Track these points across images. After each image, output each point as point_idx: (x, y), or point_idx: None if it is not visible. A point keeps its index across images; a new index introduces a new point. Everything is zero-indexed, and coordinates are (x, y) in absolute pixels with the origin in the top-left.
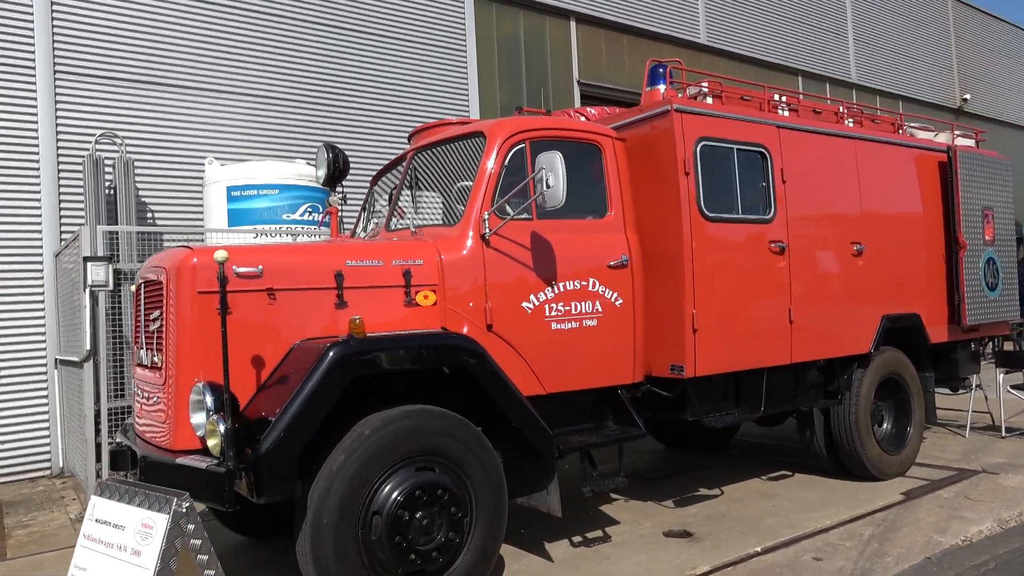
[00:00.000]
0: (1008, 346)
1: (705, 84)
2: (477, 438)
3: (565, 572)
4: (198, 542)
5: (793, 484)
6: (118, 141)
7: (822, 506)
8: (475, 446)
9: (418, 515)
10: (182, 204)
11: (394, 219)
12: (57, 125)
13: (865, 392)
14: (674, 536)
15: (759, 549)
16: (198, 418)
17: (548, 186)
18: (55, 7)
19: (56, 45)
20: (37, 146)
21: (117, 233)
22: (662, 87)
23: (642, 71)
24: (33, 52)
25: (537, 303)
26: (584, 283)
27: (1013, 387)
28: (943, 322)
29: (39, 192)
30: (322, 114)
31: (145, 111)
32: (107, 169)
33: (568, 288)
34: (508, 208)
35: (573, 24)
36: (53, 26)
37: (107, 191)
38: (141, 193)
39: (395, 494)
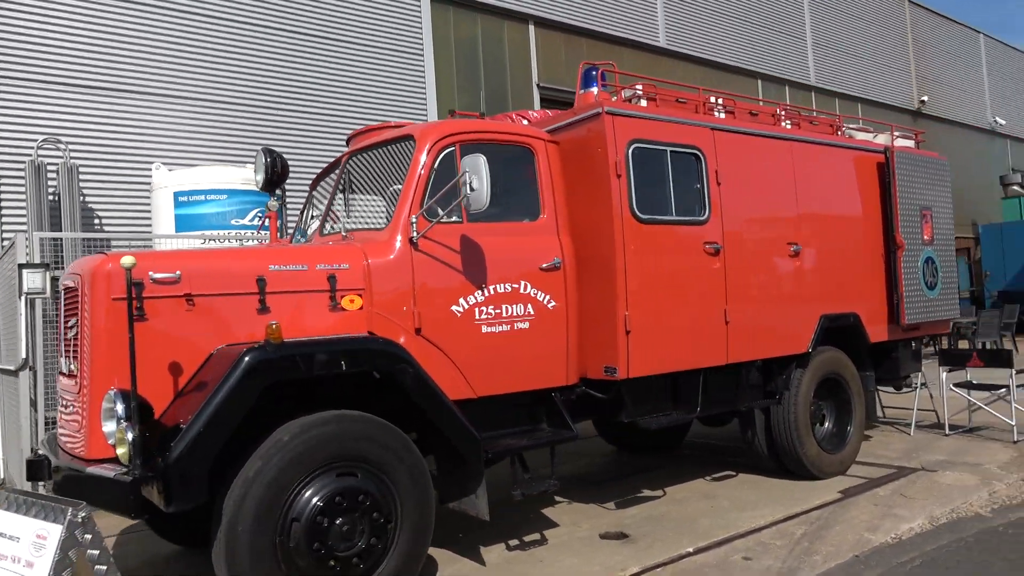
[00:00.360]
0: (964, 344)
1: (640, 86)
2: (402, 443)
3: (482, 572)
4: (96, 552)
5: (735, 484)
6: (61, 146)
7: (759, 506)
8: (400, 451)
9: (338, 521)
10: (129, 210)
11: (328, 223)
12: None
13: (804, 392)
14: (610, 538)
15: (691, 549)
16: (109, 426)
17: (472, 189)
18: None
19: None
20: None
21: (61, 240)
22: (595, 89)
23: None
24: None
25: (467, 306)
26: (516, 286)
27: (956, 385)
28: (883, 321)
29: None
30: (274, 118)
31: (89, 116)
32: (50, 175)
33: (499, 291)
34: (439, 211)
35: (532, 27)
36: None
37: (51, 197)
38: (87, 199)
39: (314, 500)
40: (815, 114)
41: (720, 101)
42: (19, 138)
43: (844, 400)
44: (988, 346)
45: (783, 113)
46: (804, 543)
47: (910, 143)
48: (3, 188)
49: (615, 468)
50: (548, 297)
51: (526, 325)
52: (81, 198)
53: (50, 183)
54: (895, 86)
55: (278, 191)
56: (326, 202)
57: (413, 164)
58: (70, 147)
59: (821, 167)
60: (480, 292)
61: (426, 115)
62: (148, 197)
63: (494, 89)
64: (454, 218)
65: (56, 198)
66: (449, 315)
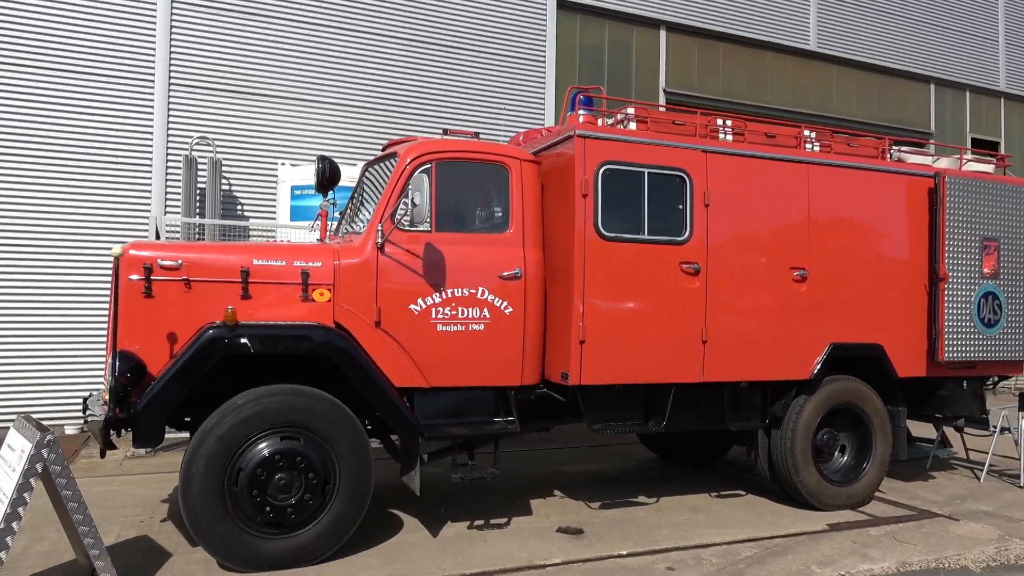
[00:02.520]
0: None
1: (631, 109)
2: (346, 419)
3: (435, 546)
4: (59, 468)
5: (731, 503)
6: (211, 144)
7: (734, 525)
8: (341, 424)
9: (277, 476)
10: (261, 200)
11: (344, 224)
12: (168, 129)
13: (806, 419)
14: (565, 532)
15: (624, 552)
16: (107, 378)
17: (414, 204)
18: (173, 29)
19: (172, 60)
20: (151, 147)
21: (204, 226)
22: (582, 113)
23: (741, 79)
24: (153, 67)
25: (424, 306)
26: (473, 291)
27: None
28: (918, 356)
29: (150, 186)
30: (395, 121)
31: (234, 117)
32: (200, 168)
33: (456, 295)
34: (402, 220)
35: (663, 33)
36: (171, 43)
37: (198, 187)
38: (231, 189)
39: (255, 454)
40: (854, 136)
41: (729, 123)
42: (179, 136)
43: (865, 433)
44: None
45: (813, 136)
46: (740, 565)
47: (988, 168)
48: (169, 178)
49: (638, 473)
50: (506, 303)
51: (481, 327)
52: (223, 189)
53: (200, 175)
54: None
55: (330, 193)
56: (348, 206)
57: (392, 178)
58: (217, 144)
59: (847, 191)
60: (438, 294)
61: (544, 120)
62: (275, 190)
63: (619, 93)
64: (424, 227)
65: (203, 188)
66: (407, 312)
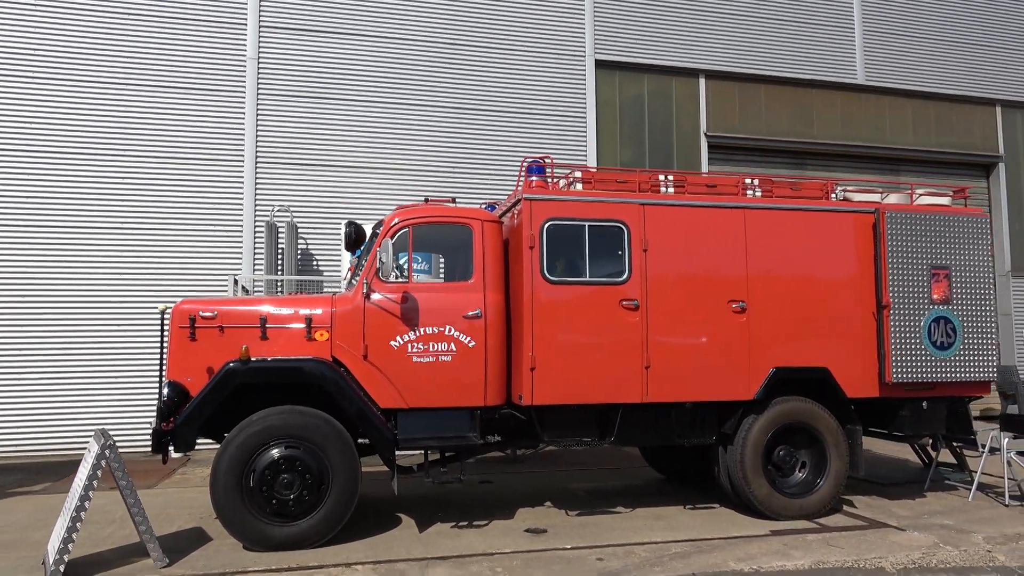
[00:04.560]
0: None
1: (578, 172)
2: (336, 431)
3: (415, 540)
4: (116, 465)
5: (697, 513)
6: (288, 210)
7: (683, 529)
8: (332, 436)
9: (281, 476)
10: (331, 257)
11: (354, 276)
12: (256, 199)
13: (755, 436)
14: (530, 532)
15: (568, 546)
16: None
17: (381, 262)
18: (259, 115)
19: (259, 141)
20: (242, 215)
21: (282, 281)
22: (534, 179)
23: (785, 117)
24: (243, 148)
25: (402, 342)
26: (441, 329)
27: (1020, 453)
28: (869, 378)
29: (241, 248)
30: (446, 178)
31: (309, 186)
32: (280, 232)
33: (428, 332)
34: (393, 273)
35: (702, 81)
36: (257, 128)
37: (279, 248)
38: (308, 247)
39: (265, 460)
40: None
41: (671, 178)
42: (263, 204)
43: (821, 450)
44: None
45: (755, 182)
46: (665, 558)
47: (943, 200)
48: (256, 241)
49: (636, 490)
50: (469, 338)
51: (448, 358)
52: (300, 248)
53: (279, 238)
54: None
55: (357, 250)
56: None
57: (377, 240)
58: (293, 211)
59: (787, 230)
60: (412, 332)
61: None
62: (340, 247)
63: (658, 140)
64: (400, 279)
65: (282, 249)
66: (388, 347)
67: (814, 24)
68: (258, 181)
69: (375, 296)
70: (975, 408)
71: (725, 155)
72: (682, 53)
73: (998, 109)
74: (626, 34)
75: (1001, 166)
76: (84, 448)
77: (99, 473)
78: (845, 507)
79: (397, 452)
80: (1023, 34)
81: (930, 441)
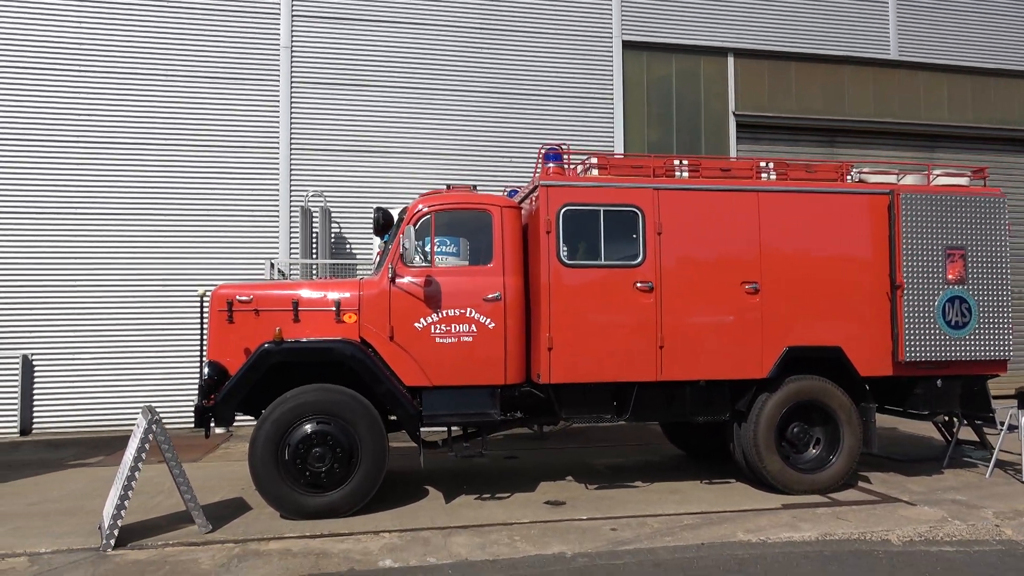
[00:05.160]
0: None
1: (594, 159)
2: (364, 407)
3: (440, 510)
4: (163, 438)
5: (712, 487)
6: (321, 196)
7: (697, 503)
8: (361, 413)
9: (313, 450)
10: (364, 240)
11: (382, 260)
12: (291, 185)
13: (768, 413)
14: (549, 504)
15: (583, 517)
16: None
17: (404, 248)
18: (293, 104)
19: (293, 128)
20: (278, 201)
21: (316, 265)
22: (551, 166)
23: (816, 95)
24: (278, 135)
25: (425, 323)
26: (463, 311)
27: None
28: (883, 357)
29: (278, 233)
30: (476, 161)
31: (341, 172)
32: (314, 216)
33: (450, 314)
34: (416, 258)
35: (731, 59)
36: (291, 116)
37: (313, 232)
38: (341, 231)
39: (298, 434)
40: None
41: (685, 162)
42: (298, 190)
43: (834, 427)
44: None
45: (770, 165)
46: (676, 529)
47: (960, 180)
48: (292, 226)
49: (656, 465)
50: (489, 320)
51: (470, 339)
52: (334, 232)
53: (314, 222)
54: None
55: (385, 235)
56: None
57: (402, 226)
58: (327, 196)
59: (801, 212)
60: (435, 314)
61: (613, 148)
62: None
63: (687, 120)
64: (423, 264)
65: (316, 233)
66: (412, 328)
67: None
68: (292, 167)
69: (400, 280)
70: (1012, 387)
71: (754, 134)
72: (710, 32)
73: None
74: (653, 14)
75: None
76: (133, 424)
77: (147, 447)
78: (860, 483)
79: (422, 428)
80: None
81: (947, 419)
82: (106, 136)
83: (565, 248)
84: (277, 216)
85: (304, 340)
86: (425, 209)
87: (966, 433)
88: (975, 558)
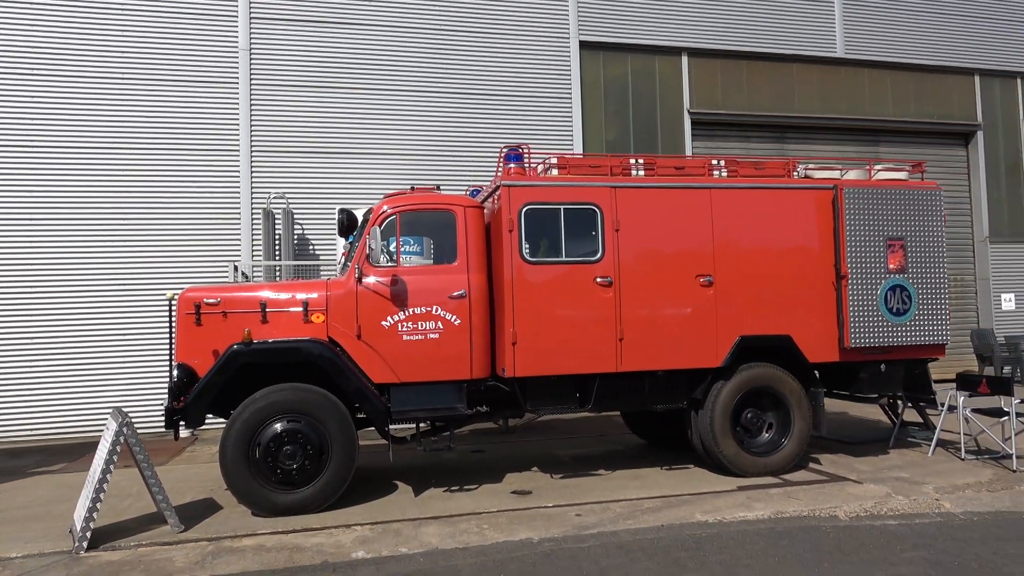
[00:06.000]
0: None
1: (554, 159)
2: (333, 405)
3: (410, 502)
4: (134, 440)
5: (672, 473)
6: (284, 197)
7: (657, 487)
8: (330, 410)
9: (284, 448)
10: (327, 242)
11: (347, 261)
12: (253, 187)
13: (723, 400)
14: (516, 494)
15: (549, 504)
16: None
17: (370, 248)
18: (253, 104)
19: (253, 130)
20: (239, 204)
21: (280, 266)
22: (512, 166)
23: (767, 92)
24: (238, 137)
25: (392, 321)
26: (429, 309)
27: (975, 411)
28: (830, 344)
29: (240, 235)
30: (436, 162)
31: (303, 173)
32: (276, 218)
33: (416, 312)
34: (383, 258)
35: (685, 59)
36: (252, 118)
37: (276, 234)
38: (304, 233)
39: (269, 433)
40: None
41: (641, 161)
42: (259, 192)
43: (785, 412)
44: None
45: (721, 163)
46: (637, 512)
47: (901, 175)
48: (254, 229)
49: (619, 455)
50: (455, 317)
51: (436, 336)
52: (296, 234)
53: (276, 224)
54: None
55: (350, 236)
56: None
57: (366, 228)
58: (288, 197)
59: (752, 207)
60: (402, 312)
61: (572, 147)
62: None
63: (643, 118)
64: (389, 264)
65: (279, 235)
66: (379, 327)
67: None
68: (254, 170)
69: (366, 280)
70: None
71: (708, 131)
72: (665, 32)
73: (976, 78)
74: (609, 14)
75: (980, 134)
76: (96, 431)
77: (118, 448)
78: (811, 464)
79: (391, 424)
80: (1001, 3)
81: (892, 402)
82: (64, 140)
83: (527, 246)
84: (239, 218)
85: (273, 340)
86: (390, 210)
87: (911, 415)
88: (916, 530)
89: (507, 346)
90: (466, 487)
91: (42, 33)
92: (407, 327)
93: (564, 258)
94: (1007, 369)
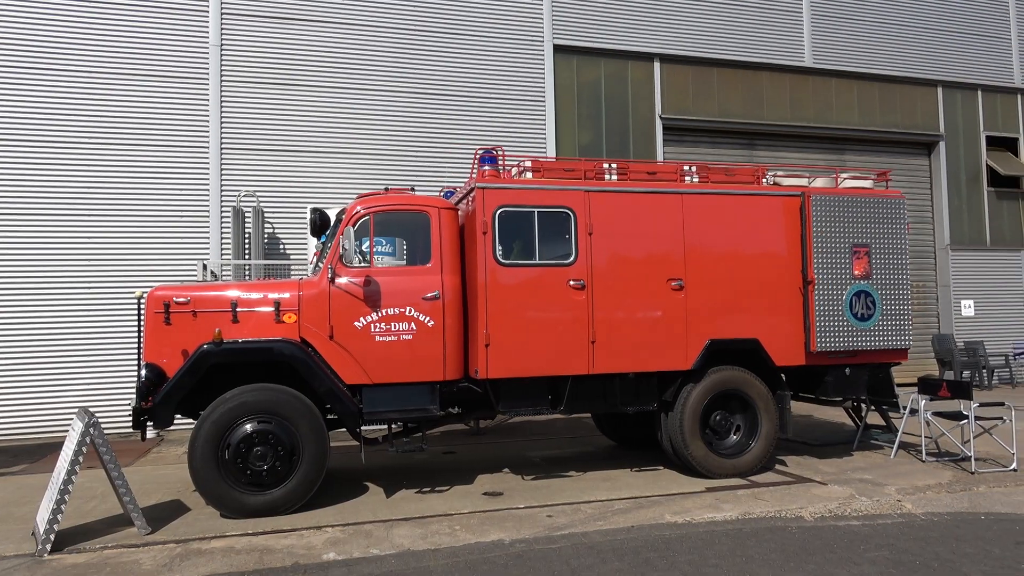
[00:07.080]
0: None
1: (528, 162)
2: (305, 405)
3: (382, 504)
4: (100, 440)
5: (642, 475)
6: (254, 196)
7: (628, 489)
8: (301, 411)
9: (255, 449)
10: (298, 241)
11: (319, 261)
12: (222, 185)
13: (693, 402)
14: (487, 495)
15: (521, 505)
16: (137, 382)
17: (344, 249)
18: (223, 103)
19: (223, 127)
20: (208, 202)
21: (249, 266)
22: (486, 168)
23: (737, 100)
24: (208, 134)
25: (365, 322)
26: (402, 310)
27: (935, 414)
28: (796, 348)
29: (208, 233)
30: (409, 163)
31: (273, 172)
32: (246, 217)
33: (389, 313)
34: (356, 258)
35: (657, 64)
36: (222, 114)
37: (245, 233)
38: (275, 232)
39: (239, 433)
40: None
41: (614, 166)
42: (229, 190)
43: (753, 414)
44: None
45: (692, 169)
46: (608, 513)
47: (866, 183)
48: (223, 227)
49: (590, 456)
50: (428, 318)
51: (409, 337)
52: (267, 233)
53: (246, 223)
54: None
55: (322, 236)
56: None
57: (340, 227)
58: (259, 196)
59: (722, 213)
60: (375, 313)
61: (545, 150)
62: (307, 231)
63: (616, 123)
64: (363, 264)
65: (249, 234)
66: (352, 328)
67: (764, 7)
68: (223, 167)
69: (339, 280)
70: (914, 376)
71: (679, 137)
72: (638, 37)
73: (939, 90)
74: (583, 18)
75: (942, 144)
76: (58, 432)
77: (84, 449)
78: (777, 466)
79: (363, 425)
80: (964, 17)
81: (856, 405)
82: (30, 136)
83: (501, 248)
84: (208, 216)
85: (244, 340)
86: (363, 211)
87: (874, 418)
88: (878, 530)
89: (480, 348)
90: (438, 488)
91: (6, 28)
92: (380, 328)
93: (537, 261)
94: (966, 374)
